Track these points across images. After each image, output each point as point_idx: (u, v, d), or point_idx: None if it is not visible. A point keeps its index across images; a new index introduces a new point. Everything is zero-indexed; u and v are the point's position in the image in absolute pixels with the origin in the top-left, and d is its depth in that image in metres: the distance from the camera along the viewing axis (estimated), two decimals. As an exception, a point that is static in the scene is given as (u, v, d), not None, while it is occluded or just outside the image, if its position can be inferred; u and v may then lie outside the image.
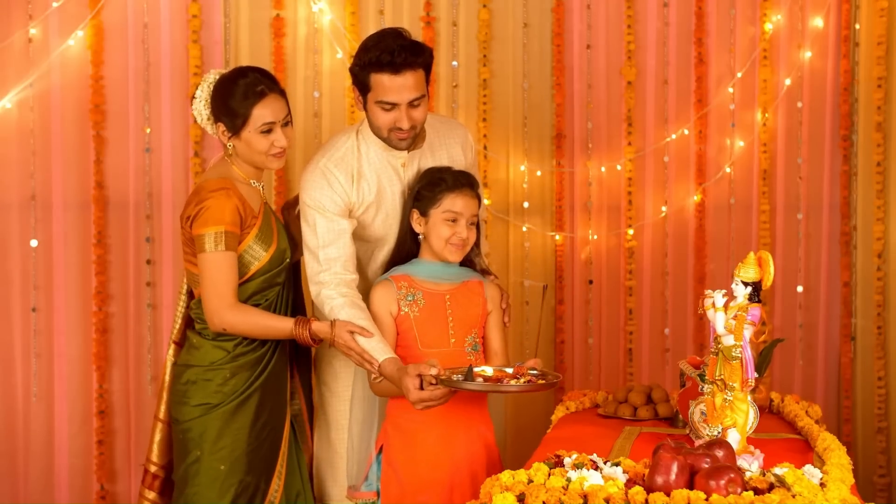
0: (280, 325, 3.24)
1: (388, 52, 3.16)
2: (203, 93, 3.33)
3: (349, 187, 3.30)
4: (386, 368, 3.09)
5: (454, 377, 3.01)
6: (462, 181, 3.26)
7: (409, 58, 3.17)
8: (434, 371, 2.99)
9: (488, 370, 3.09)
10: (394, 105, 3.20)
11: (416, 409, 3.03)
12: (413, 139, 3.30)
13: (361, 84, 3.25)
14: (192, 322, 3.38)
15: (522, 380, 3.03)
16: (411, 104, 3.21)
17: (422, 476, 3.21)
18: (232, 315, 3.21)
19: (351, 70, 3.29)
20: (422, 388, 3.00)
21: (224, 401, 3.26)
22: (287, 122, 3.30)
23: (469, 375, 3.00)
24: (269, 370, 3.32)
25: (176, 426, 3.32)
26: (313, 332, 3.20)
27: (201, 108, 3.34)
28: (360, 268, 3.41)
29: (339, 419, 3.49)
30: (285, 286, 3.37)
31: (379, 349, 3.12)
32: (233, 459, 3.26)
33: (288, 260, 3.36)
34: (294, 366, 3.47)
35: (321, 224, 3.28)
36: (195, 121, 3.39)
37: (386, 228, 3.38)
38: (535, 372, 3.08)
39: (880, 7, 4.52)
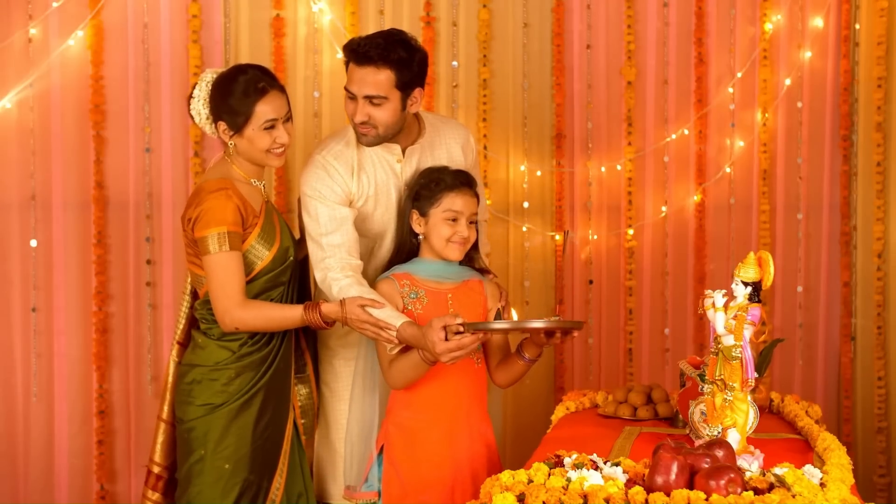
0: (290, 314, 3.24)
1: (357, 43, 3.21)
2: (201, 92, 3.33)
3: (349, 178, 3.31)
4: (405, 331, 3.08)
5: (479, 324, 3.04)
6: (461, 180, 3.26)
7: (372, 51, 3.18)
8: (459, 319, 2.99)
9: (514, 314, 3.11)
10: (353, 96, 3.22)
11: (443, 361, 3.01)
12: (378, 139, 3.28)
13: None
14: (197, 322, 3.38)
15: (553, 317, 3.05)
16: (371, 101, 3.21)
17: (424, 475, 3.21)
18: (242, 312, 3.21)
19: None
20: (447, 339, 2.99)
21: (228, 400, 3.27)
22: (288, 119, 3.30)
23: (498, 316, 3.03)
24: (274, 369, 3.32)
25: (180, 425, 3.32)
26: (324, 315, 3.19)
27: (200, 107, 3.33)
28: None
29: (339, 419, 3.49)
30: (290, 285, 3.37)
31: (394, 316, 3.11)
32: (237, 458, 3.26)
33: (291, 258, 3.36)
34: (308, 358, 3.47)
35: (323, 213, 3.28)
36: (194, 120, 3.39)
37: (385, 223, 3.38)
38: (557, 318, 3.10)
39: (880, 7, 4.52)
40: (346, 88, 3.25)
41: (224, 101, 3.25)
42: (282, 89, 3.30)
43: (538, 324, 3.06)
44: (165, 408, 3.43)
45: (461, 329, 2.99)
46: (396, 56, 3.19)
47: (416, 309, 3.23)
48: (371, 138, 3.28)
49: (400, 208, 3.36)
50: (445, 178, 3.26)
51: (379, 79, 3.19)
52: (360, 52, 3.18)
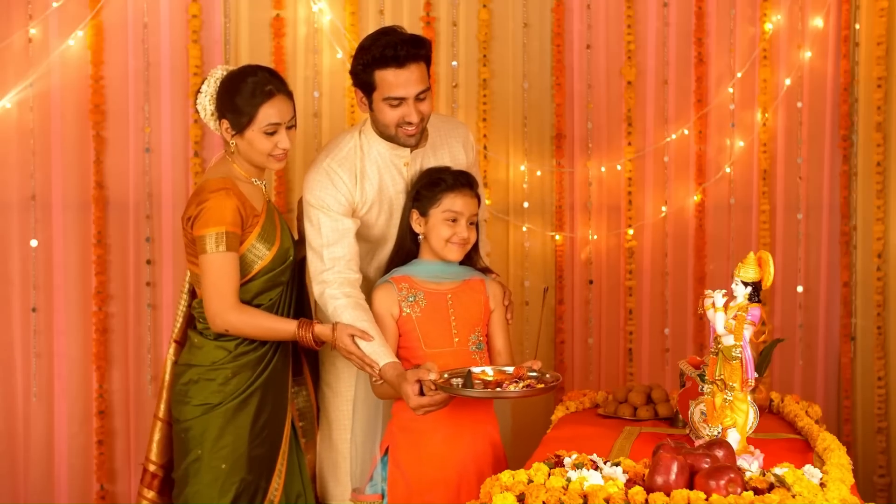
0: (283, 328, 3.24)
1: (391, 47, 3.17)
2: (209, 88, 3.32)
3: (352, 186, 3.31)
4: (386, 373, 3.09)
5: (453, 381, 3.01)
6: (461, 181, 3.26)
7: (411, 50, 3.19)
8: (433, 376, 2.99)
9: (488, 371, 3.09)
10: (401, 100, 3.21)
11: (417, 414, 3.03)
12: (421, 134, 3.30)
13: (365, 84, 3.25)
14: (194, 321, 3.38)
15: (521, 384, 3.04)
16: (418, 97, 3.22)
17: (429, 476, 3.21)
18: (234, 316, 3.21)
19: (352, 72, 3.29)
20: (422, 393, 3.00)
21: (225, 400, 3.27)
22: (291, 125, 3.29)
23: (468, 380, 3.01)
24: (271, 369, 3.32)
25: (177, 425, 3.32)
26: (316, 335, 3.20)
27: (206, 102, 3.33)
28: (362, 268, 3.40)
29: (341, 419, 3.49)
30: (289, 286, 3.37)
31: (380, 353, 3.11)
32: (234, 458, 3.26)
33: (291, 258, 3.36)
34: (304, 360, 3.47)
35: (325, 223, 3.28)
36: (196, 119, 3.39)
37: (388, 228, 3.38)
38: (534, 374, 3.08)
39: (880, 7, 4.52)
40: (386, 98, 3.20)
41: (230, 100, 3.25)
42: (289, 95, 3.29)
43: (512, 393, 3.04)
44: (162, 406, 3.43)
45: (433, 387, 2.98)
46: (427, 45, 3.25)
47: (414, 312, 3.23)
48: (418, 136, 3.29)
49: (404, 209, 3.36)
50: (446, 178, 3.26)
51: (422, 73, 3.22)
52: (402, 55, 3.17)
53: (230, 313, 3.20)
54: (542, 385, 3.04)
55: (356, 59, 3.26)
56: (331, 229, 3.28)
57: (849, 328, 4.65)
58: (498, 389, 3.04)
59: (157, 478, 3.43)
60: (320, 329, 3.19)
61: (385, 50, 3.18)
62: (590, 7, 4.65)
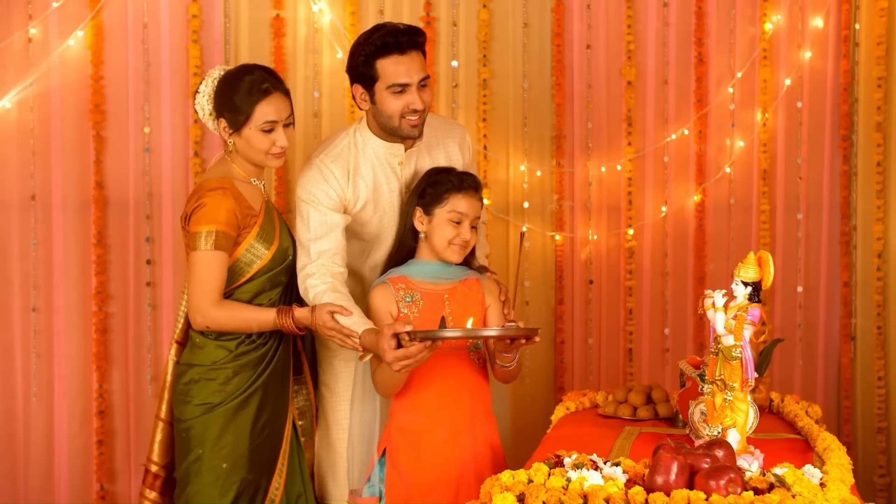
0: (263, 317, 3.23)
1: (392, 35, 3.21)
2: (207, 87, 3.33)
3: (344, 183, 3.31)
4: (365, 339, 3.06)
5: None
6: (467, 182, 3.26)
7: (411, 38, 3.22)
8: (409, 328, 2.96)
9: (468, 325, 3.11)
10: (405, 87, 3.22)
11: (395, 369, 2.98)
12: (423, 126, 3.30)
13: (366, 77, 3.25)
14: (195, 321, 3.38)
15: (509, 323, 3.06)
16: (420, 84, 3.23)
17: (428, 477, 3.19)
18: (215, 311, 3.21)
19: (351, 67, 3.29)
20: (399, 347, 2.97)
21: (226, 399, 3.27)
22: (289, 123, 3.30)
23: (442, 324, 3.01)
24: (272, 369, 3.32)
25: (178, 425, 3.32)
26: (296, 320, 3.19)
27: (204, 102, 3.33)
28: (356, 267, 3.41)
29: (339, 419, 3.49)
30: (289, 285, 3.37)
31: (359, 323, 3.09)
32: (235, 458, 3.27)
33: (290, 258, 3.36)
34: (304, 360, 3.47)
35: (314, 217, 3.28)
36: (195, 119, 3.39)
37: (382, 227, 3.38)
38: (513, 324, 3.07)
39: (880, 7, 4.52)
40: (390, 86, 3.22)
41: (227, 99, 3.26)
42: (286, 93, 3.30)
43: (489, 332, 3.05)
44: (164, 407, 3.43)
45: (408, 337, 2.95)
46: (422, 36, 3.27)
47: (411, 312, 3.22)
48: (420, 127, 3.30)
49: (401, 209, 3.35)
50: (453, 178, 3.26)
51: (422, 61, 3.26)
52: (403, 41, 3.20)
53: (211, 309, 3.21)
54: (522, 327, 3.01)
55: (354, 53, 3.27)
56: (319, 223, 3.28)
57: (849, 328, 4.65)
58: (474, 330, 3.06)
59: (159, 478, 3.43)
60: (300, 313, 3.18)
61: (386, 38, 3.21)
62: (590, 7, 4.65)
